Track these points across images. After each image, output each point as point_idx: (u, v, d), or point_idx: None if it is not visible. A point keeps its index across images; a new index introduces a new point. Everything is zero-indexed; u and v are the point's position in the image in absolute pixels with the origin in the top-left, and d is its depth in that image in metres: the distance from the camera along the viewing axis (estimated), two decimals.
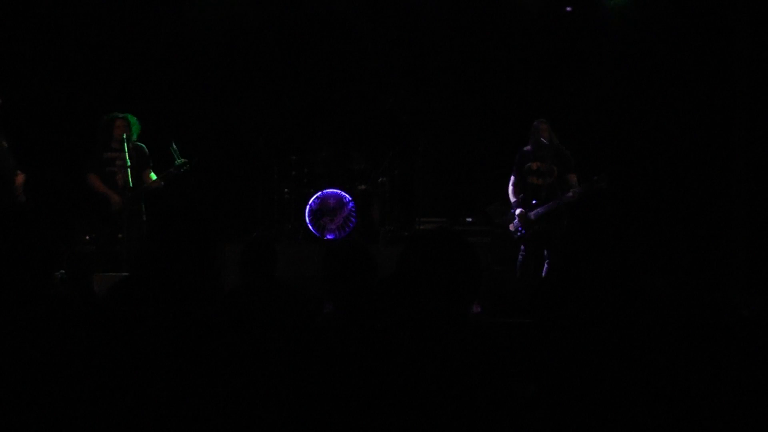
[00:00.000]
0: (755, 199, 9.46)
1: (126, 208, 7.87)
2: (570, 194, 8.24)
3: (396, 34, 10.16)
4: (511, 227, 8.43)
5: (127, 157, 7.92)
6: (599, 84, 10.15)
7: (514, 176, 8.51)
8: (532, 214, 8.28)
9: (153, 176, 8.17)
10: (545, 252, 8.29)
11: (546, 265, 8.25)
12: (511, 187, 8.52)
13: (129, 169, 7.90)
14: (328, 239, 9.39)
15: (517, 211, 8.34)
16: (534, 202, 8.30)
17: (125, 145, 7.95)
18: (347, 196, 9.50)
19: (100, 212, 8.01)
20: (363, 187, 9.67)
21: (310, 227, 9.44)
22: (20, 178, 7.78)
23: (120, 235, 7.77)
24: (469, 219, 9.64)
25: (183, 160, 8.12)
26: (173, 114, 9.70)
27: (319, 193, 9.52)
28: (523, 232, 8.33)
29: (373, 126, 10.17)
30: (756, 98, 9.49)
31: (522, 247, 8.36)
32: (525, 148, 8.49)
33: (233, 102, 10.11)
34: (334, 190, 9.57)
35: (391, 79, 10.26)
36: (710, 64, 9.75)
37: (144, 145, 8.23)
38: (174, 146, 8.12)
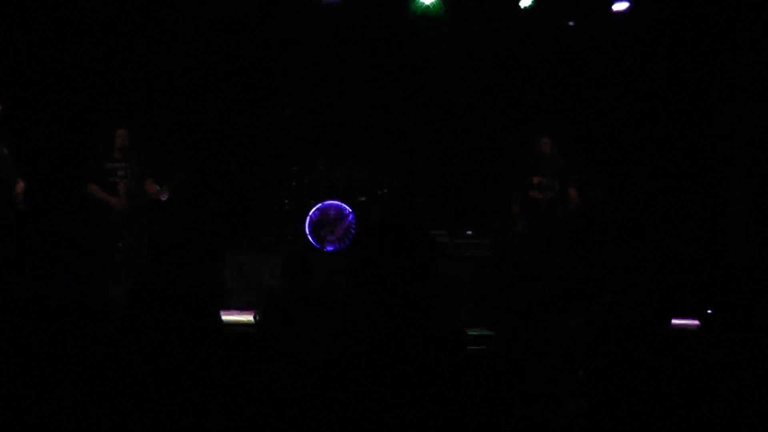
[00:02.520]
0: (755, 207, 9.44)
1: (127, 217, 7.86)
2: (569, 208, 8.26)
3: (399, 46, 10.17)
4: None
5: (129, 167, 7.92)
6: (601, 95, 10.14)
7: (515, 190, 8.51)
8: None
9: (155, 186, 8.15)
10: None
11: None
12: (512, 201, 8.52)
13: (130, 179, 7.90)
14: (328, 251, 9.38)
15: (519, 226, 8.36)
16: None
17: (126, 155, 7.96)
18: (347, 207, 9.49)
19: (100, 221, 7.99)
20: (363, 198, 9.67)
21: (310, 238, 9.43)
22: (20, 185, 7.75)
23: (120, 244, 7.75)
24: (469, 232, 9.61)
25: (185, 171, 8.14)
26: (174, 124, 9.69)
27: (320, 204, 9.51)
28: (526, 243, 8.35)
29: (374, 137, 10.16)
30: (756, 107, 9.49)
31: None
32: (526, 162, 8.50)
33: (234, 112, 10.09)
34: (335, 202, 9.56)
35: (392, 91, 10.26)
36: (710, 75, 9.76)
37: (145, 155, 8.22)
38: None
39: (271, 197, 9.78)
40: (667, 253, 9.16)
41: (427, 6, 9.65)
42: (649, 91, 9.98)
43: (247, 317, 6.67)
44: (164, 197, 8.10)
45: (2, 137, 7.73)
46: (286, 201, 9.65)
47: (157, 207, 8.19)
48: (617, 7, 9.72)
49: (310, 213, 9.48)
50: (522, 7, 9.71)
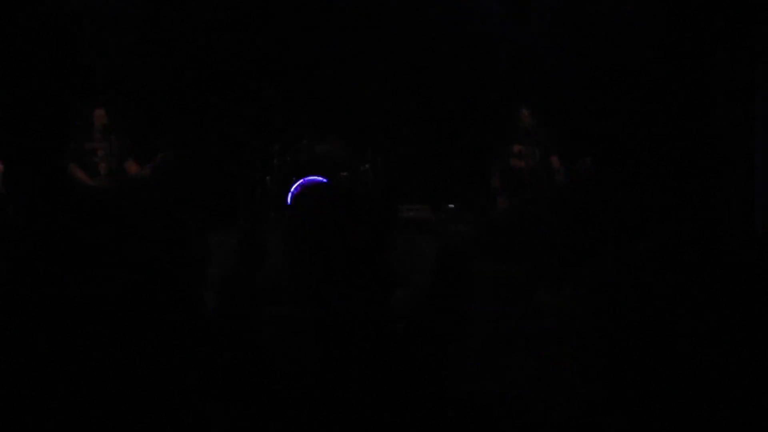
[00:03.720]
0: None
1: (109, 198, 7.85)
2: (554, 179, 8.27)
3: (376, 23, 10.13)
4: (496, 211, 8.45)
5: (109, 147, 7.91)
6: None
7: (496, 160, 8.51)
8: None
9: (137, 166, 8.12)
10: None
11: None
12: (491, 173, 8.52)
13: (111, 159, 7.90)
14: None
15: (499, 199, 8.37)
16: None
17: (106, 135, 7.94)
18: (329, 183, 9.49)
19: (81, 203, 7.95)
20: (345, 174, 9.65)
21: None
22: None
23: (104, 226, 7.70)
24: (451, 205, 9.62)
25: (167, 151, 8.13)
26: (155, 103, 9.63)
27: (301, 180, 9.50)
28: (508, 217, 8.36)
29: (355, 113, 10.13)
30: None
31: None
32: (505, 132, 8.50)
33: (215, 90, 10.02)
34: (316, 178, 9.55)
35: (373, 67, 10.21)
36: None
37: (125, 135, 8.17)
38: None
39: (253, 175, 9.73)
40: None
41: None
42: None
43: None
44: (146, 177, 8.09)
45: None
46: (268, 178, 9.62)
47: (138, 188, 8.16)
48: None
49: (292, 189, 9.47)
50: None
